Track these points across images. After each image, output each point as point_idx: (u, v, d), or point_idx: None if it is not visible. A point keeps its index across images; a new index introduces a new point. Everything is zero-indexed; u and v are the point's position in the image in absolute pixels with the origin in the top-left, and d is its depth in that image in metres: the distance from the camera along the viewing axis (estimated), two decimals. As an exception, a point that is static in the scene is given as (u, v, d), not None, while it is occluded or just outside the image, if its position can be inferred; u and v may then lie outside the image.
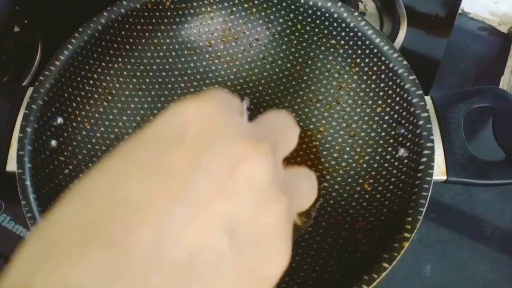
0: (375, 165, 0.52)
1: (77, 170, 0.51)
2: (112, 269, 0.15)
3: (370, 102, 0.54)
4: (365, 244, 0.46)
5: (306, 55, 0.60)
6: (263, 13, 0.60)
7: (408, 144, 0.48)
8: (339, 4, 0.54)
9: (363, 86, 0.55)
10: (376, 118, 0.54)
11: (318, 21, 0.57)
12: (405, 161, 0.48)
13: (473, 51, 0.74)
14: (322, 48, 0.58)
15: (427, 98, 0.49)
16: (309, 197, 0.24)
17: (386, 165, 0.51)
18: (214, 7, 0.60)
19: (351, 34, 0.54)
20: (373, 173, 0.52)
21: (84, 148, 0.52)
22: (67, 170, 0.50)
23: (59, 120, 0.50)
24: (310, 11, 0.56)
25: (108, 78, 0.56)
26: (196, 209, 0.17)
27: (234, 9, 0.60)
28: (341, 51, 0.57)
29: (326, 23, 0.56)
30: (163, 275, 0.16)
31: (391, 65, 0.50)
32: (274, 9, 0.59)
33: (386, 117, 0.52)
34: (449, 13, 0.75)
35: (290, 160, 0.57)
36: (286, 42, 0.61)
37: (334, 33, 0.56)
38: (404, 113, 0.49)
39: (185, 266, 0.17)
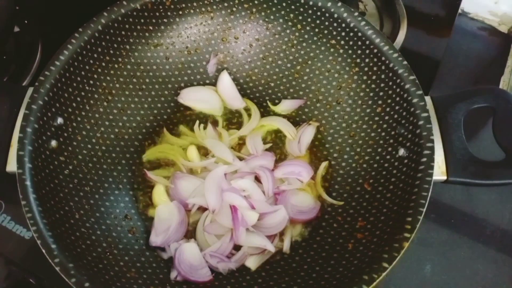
0: (375, 165, 0.52)
1: (77, 170, 0.51)
2: None
3: (370, 102, 0.54)
4: (365, 244, 0.46)
5: (306, 55, 0.60)
6: (263, 13, 0.60)
7: (408, 144, 0.48)
8: (339, 4, 0.54)
9: (363, 86, 0.55)
10: (376, 118, 0.54)
11: (318, 21, 0.57)
12: (405, 161, 0.48)
13: (473, 51, 0.74)
14: (322, 48, 0.58)
15: (427, 98, 0.49)
16: None
17: (386, 165, 0.51)
18: (214, 7, 0.60)
19: (351, 34, 0.54)
20: (373, 173, 0.52)
21: (84, 148, 0.52)
22: (67, 170, 0.50)
23: (59, 120, 0.50)
24: (310, 11, 0.56)
25: (108, 78, 0.56)
26: None
27: (234, 9, 0.60)
28: (341, 51, 0.57)
29: (326, 23, 0.56)
30: None
31: (391, 65, 0.50)
32: (274, 9, 0.59)
33: (386, 117, 0.52)
34: (449, 13, 0.75)
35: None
36: (286, 42, 0.61)
37: (334, 33, 0.56)
38: (404, 113, 0.49)
39: None
